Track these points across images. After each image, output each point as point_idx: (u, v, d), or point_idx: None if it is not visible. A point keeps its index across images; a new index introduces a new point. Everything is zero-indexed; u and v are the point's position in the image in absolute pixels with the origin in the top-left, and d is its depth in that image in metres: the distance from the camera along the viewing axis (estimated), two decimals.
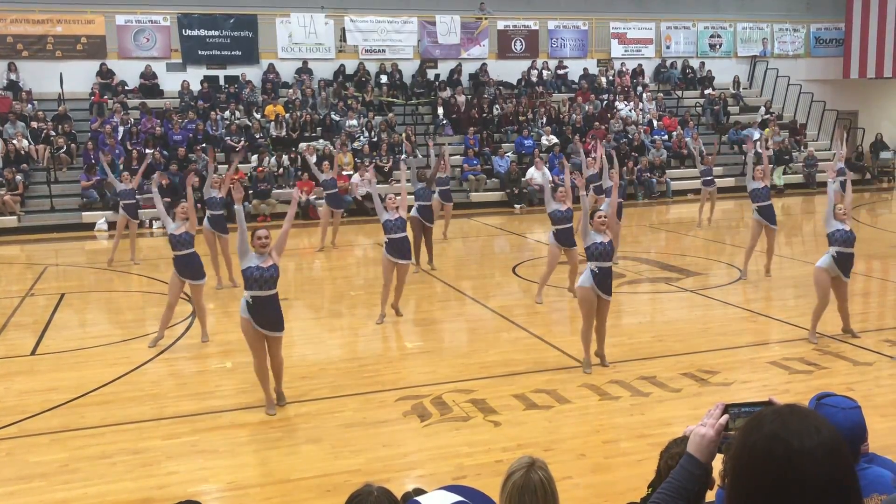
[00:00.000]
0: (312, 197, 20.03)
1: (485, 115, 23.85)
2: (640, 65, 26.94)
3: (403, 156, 17.50)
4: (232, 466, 6.28)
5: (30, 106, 21.10)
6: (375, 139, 22.19)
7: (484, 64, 25.35)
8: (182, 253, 9.36)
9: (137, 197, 15.00)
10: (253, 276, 7.08)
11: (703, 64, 27.61)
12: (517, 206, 21.12)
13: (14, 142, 19.73)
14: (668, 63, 27.45)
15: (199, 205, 14.18)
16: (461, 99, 24.07)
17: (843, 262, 8.84)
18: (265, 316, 7.15)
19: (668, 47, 27.61)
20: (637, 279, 12.57)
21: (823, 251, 9.11)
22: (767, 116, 25.87)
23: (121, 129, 20.71)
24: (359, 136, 22.31)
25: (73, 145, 20.37)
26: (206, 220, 12.59)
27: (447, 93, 24.23)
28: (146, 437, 6.84)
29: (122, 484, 5.98)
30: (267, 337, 7.24)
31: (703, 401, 7.30)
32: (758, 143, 15.53)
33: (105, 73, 22.22)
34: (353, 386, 8.03)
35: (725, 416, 1.98)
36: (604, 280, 8.07)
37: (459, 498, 1.87)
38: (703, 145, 24.29)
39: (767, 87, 27.66)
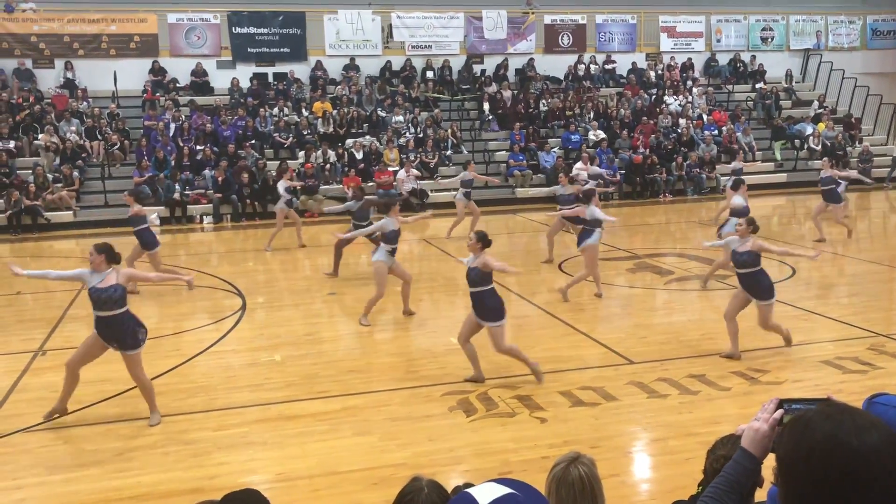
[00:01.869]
0: None
1: (531, 110, 23.75)
2: (689, 59, 26.56)
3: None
4: (280, 458, 6.37)
5: (85, 103, 21.61)
6: (421, 135, 22.25)
7: (531, 59, 25.23)
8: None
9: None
10: (91, 297, 6.97)
11: (753, 57, 27.10)
12: None
13: (70, 138, 20.23)
14: (718, 57, 27.01)
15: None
16: (507, 94, 24.00)
17: (745, 283, 8.33)
18: (110, 334, 7.01)
19: (718, 41, 27.17)
20: (686, 276, 12.41)
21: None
22: (821, 111, 25.31)
23: (172, 125, 21.10)
24: (405, 132, 22.40)
25: (126, 142, 20.82)
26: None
27: (493, 88, 24.18)
28: (197, 427, 6.97)
29: (174, 473, 6.11)
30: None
31: (754, 400, 7.19)
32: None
33: (157, 70, 22.66)
34: (399, 380, 8.07)
35: (780, 411, 1.96)
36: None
37: (510, 490, 1.87)
38: (754, 140, 23.92)
39: (821, 81, 27.06)
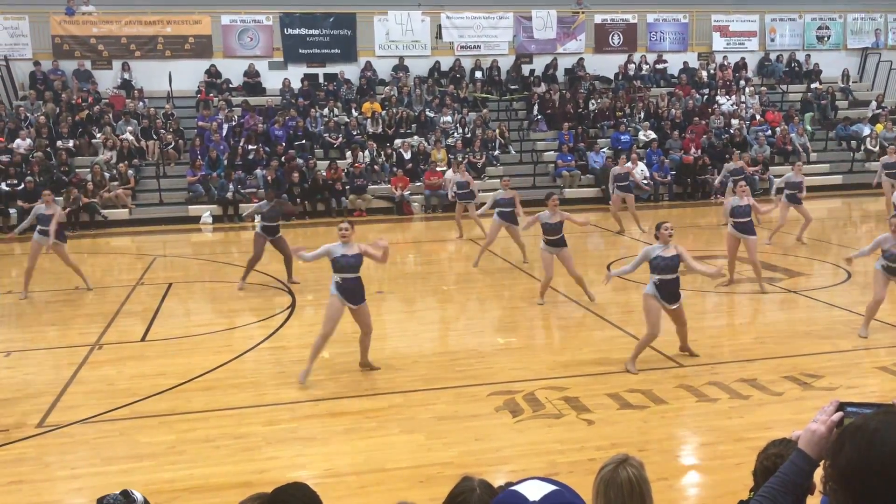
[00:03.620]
0: (407, 193, 20.27)
1: (580, 110, 23.59)
2: (742, 58, 26.12)
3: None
4: (329, 454, 6.45)
5: (141, 104, 22.10)
6: (469, 135, 22.27)
7: (580, 58, 25.08)
8: None
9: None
10: None
11: (808, 57, 26.54)
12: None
13: (126, 137, 20.70)
14: (772, 56, 26.51)
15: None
16: (556, 94, 23.88)
17: (665, 289, 8.12)
18: None
19: (772, 40, 26.66)
20: (737, 279, 12.22)
21: None
22: (879, 111, 24.66)
23: (225, 125, 21.45)
24: (453, 133, 22.44)
25: (180, 141, 21.23)
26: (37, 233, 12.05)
27: (542, 88, 24.08)
28: (247, 422, 7.09)
29: (224, 467, 6.23)
30: None
31: (806, 405, 7.07)
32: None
33: (214, 72, 23.06)
34: (445, 379, 8.11)
35: (839, 414, 1.92)
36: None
37: (556, 487, 1.89)
38: (809, 141, 23.43)
39: (880, 81, 26.38)
